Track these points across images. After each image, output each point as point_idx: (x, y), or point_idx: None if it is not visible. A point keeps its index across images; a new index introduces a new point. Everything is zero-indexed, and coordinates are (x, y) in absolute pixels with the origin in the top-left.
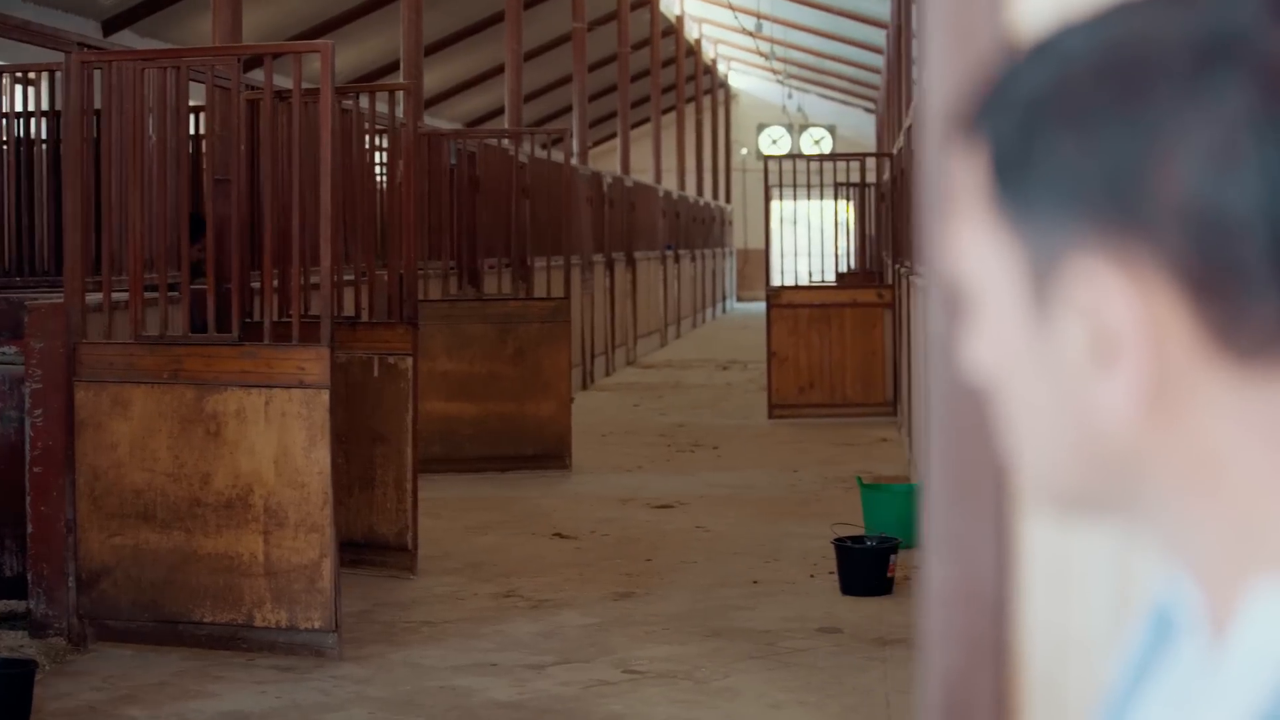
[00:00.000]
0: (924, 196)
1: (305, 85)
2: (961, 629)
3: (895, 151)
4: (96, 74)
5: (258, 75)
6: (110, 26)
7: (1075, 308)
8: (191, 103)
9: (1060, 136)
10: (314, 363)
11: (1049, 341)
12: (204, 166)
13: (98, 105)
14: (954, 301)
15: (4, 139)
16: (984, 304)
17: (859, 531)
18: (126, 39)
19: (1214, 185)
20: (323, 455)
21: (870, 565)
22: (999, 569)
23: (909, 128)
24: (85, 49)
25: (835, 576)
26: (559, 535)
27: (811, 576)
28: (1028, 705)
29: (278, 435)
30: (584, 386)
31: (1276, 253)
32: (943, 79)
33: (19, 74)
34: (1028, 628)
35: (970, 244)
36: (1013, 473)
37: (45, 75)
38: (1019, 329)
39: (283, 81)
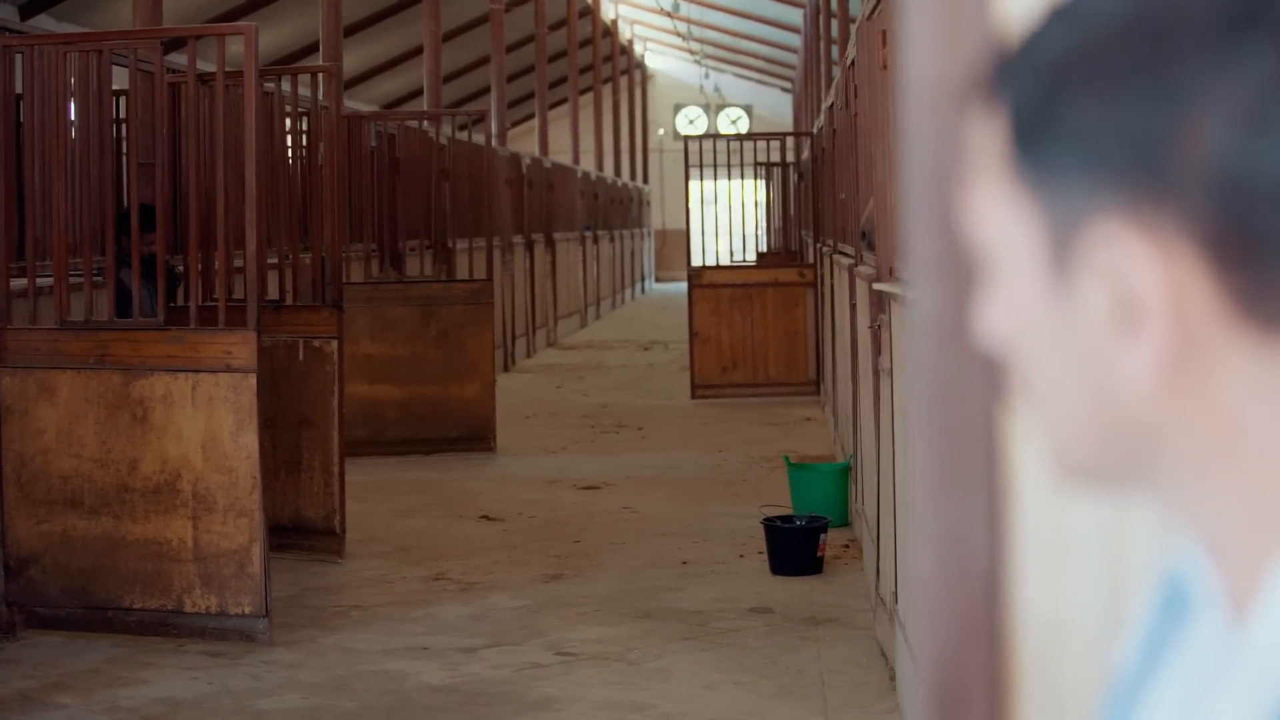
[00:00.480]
0: (910, 175)
1: (227, 68)
2: (954, 613)
3: (815, 131)
4: (18, 58)
5: (180, 59)
6: (27, 11)
7: (1096, 273)
8: (114, 87)
9: (1084, 99)
10: (241, 346)
11: (1069, 308)
12: (127, 151)
13: (20, 90)
14: (947, 278)
15: None
16: (1001, 271)
17: (787, 511)
18: (44, 23)
19: (1241, 150)
20: (251, 440)
21: (800, 544)
22: (991, 552)
23: (830, 106)
24: (6, 33)
25: (764, 556)
26: (486, 518)
27: (741, 556)
28: (1023, 688)
29: (205, 420)
30: (505, 368)
31: None
32: (928, 51)
33: None
34: (1021, 610)
35: (987, 210)
36: (1005, 453)
37: None
38: (1038, 296)
39: (204, 65)
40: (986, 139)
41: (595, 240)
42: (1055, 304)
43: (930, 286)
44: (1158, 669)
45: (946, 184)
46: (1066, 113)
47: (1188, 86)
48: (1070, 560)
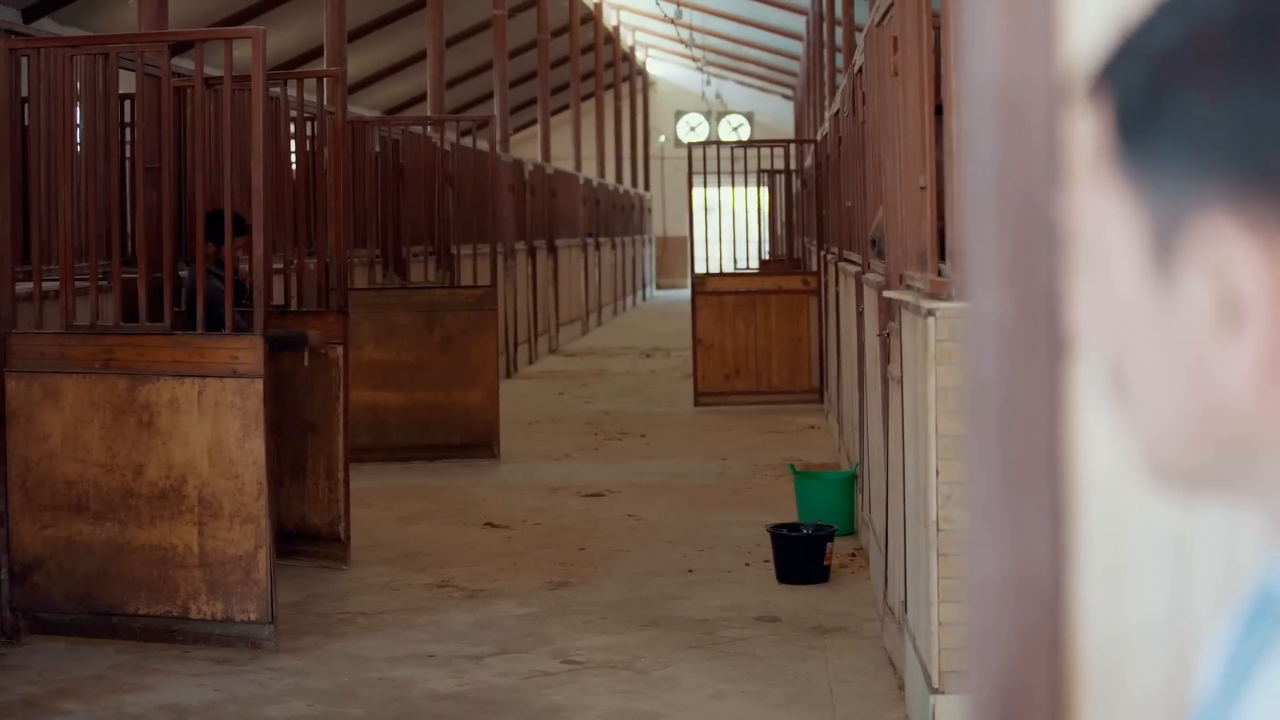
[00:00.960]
0: (972, 178)
1: (234, 73)
2: (1016, 623)
3: (820, 138)
4: (23, 61)
5: (187, 63)
6: (31, 14)
7: (1201, 269)
8: (121, 90)
9: (1192, 92)
10: (247, 352)
11: (1170, 304)
12: (133, 155)
13: (25, 93)
14: (1011, 282)
15: None
16: (1100, 266)
17: (792, 519)
18: (47, 26)
19: None
20: (257, 445)
21: (806, 553)
22: (1055, 560)
23: (835, 113)
24: (12, 35)
25: (770, 565)
26: (490, 524)
27: (747, 565)
28: (1086, 699)
29: (211, 425)
30: (507, 375)
31: None
32: (995, 52)
33: None
34: (1085, 620)
35: (1088, 204)
36: (1070, 459)
37: None
38: (1138, 291)
39: (212, 69)
40: (1089, 132)
41: (597, 247)
42: (1156, 300)
43: (993, 290)
44: (1247, 685)
45: (1013, 185)
46: (1175, 105)
47: None
48: (1136, 569)
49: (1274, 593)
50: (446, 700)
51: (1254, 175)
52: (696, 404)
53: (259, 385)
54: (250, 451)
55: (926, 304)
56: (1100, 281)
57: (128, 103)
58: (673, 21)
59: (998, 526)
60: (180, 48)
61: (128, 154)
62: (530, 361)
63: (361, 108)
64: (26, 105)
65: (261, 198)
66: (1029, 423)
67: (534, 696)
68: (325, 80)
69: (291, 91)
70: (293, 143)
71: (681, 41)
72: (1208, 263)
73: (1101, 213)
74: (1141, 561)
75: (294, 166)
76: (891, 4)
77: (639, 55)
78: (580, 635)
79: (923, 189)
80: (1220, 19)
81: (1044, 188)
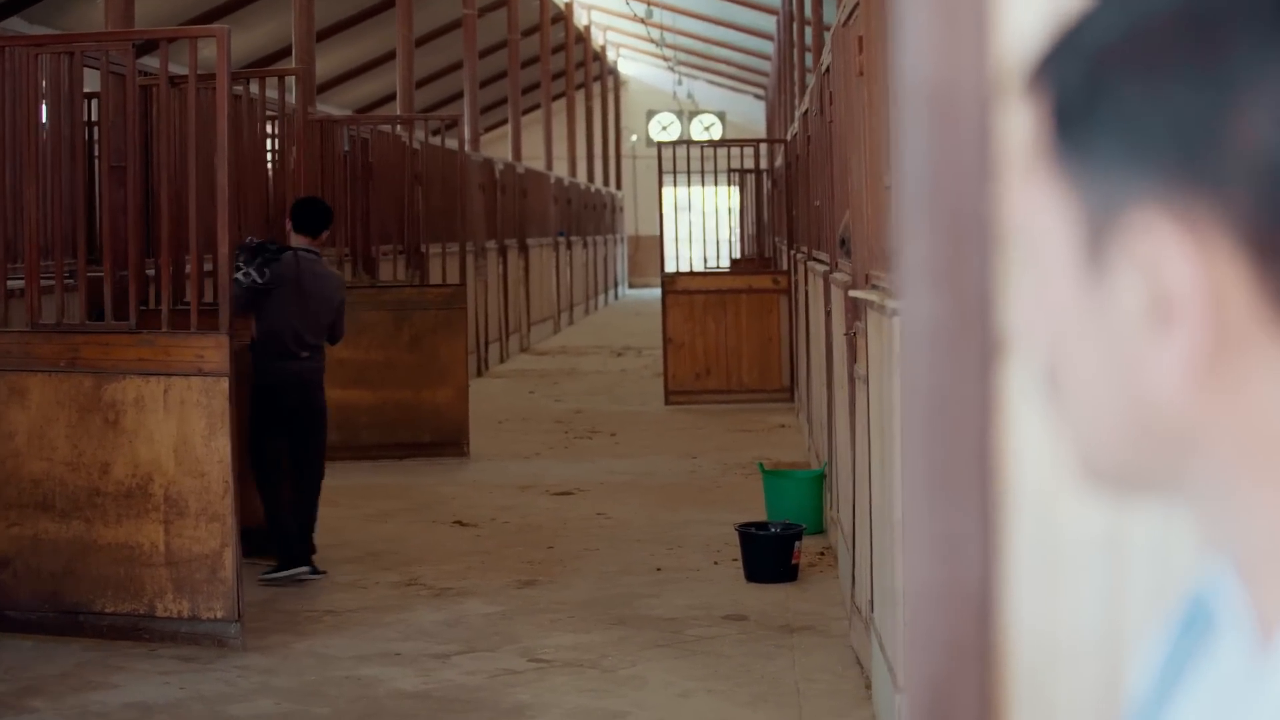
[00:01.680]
0: (905, 178)
1: (200, 71)
2: (946, 631)
3: (789, 137)
4: None
5: (152, 61)
6: None
7: (1132, 265)
8: (86, 89)
9: (1129, 86)
10: (213, 350)
11: (1102, 301)
12: (99, 153)
13: None
14: (944, 283)
15: None
16: (1034, 262)
17: (762, 518)
18: (16, 25)
19: None
20: (223, 444)
21: (775, 552)
22: (984, 565)
23: (804, 113)
24: None
25: (739, 563)
26: (459, 523)
27: (715, 563)
28: (1016, 706)
29: (177, 424)
30: (478, 373)
31: None
32: (926, 53)
33: None
34: (1015, 627)
35: (1023, 200)
36: (1001, 464)
37: None
38: (1071, 288)
39: (175, 68)
40: (1026, 128)
41: (569, 246)
42: (1089, 296)
43: (925, 292)
44: (1177, 692)
45: (944, 186)
46: (1111, 100)
47: (1237, 77)
48: (1068, 576)
49: (1205, 598)
50: (413, 699)
51: (1187, 172)
52: (667, 403)
53: (224, 384)
54: (216, 450)
55: (891, 303)
56: (1034, 279)
57: (93, 101)
58: (643, 21)
59: (927, 531)
60: (148, 46)
61: (94, 153)
62: (501, 360)
63: (332, 106)
64: None
65: (226, 197)
66: (959, 427)
67: (500, 695)
68: (293, 79)
69: (255, 90)
70: (266, 141)
71: (652, 41)
72: (1140, 259)
73: (1036, 209)
74: (1074, 568)
75: (264, 166)
76: (857, 4)
77: (610, 55)
78: (548, 634)
79: (888, 188)
80: (1159, 14)
81: (976, 188)
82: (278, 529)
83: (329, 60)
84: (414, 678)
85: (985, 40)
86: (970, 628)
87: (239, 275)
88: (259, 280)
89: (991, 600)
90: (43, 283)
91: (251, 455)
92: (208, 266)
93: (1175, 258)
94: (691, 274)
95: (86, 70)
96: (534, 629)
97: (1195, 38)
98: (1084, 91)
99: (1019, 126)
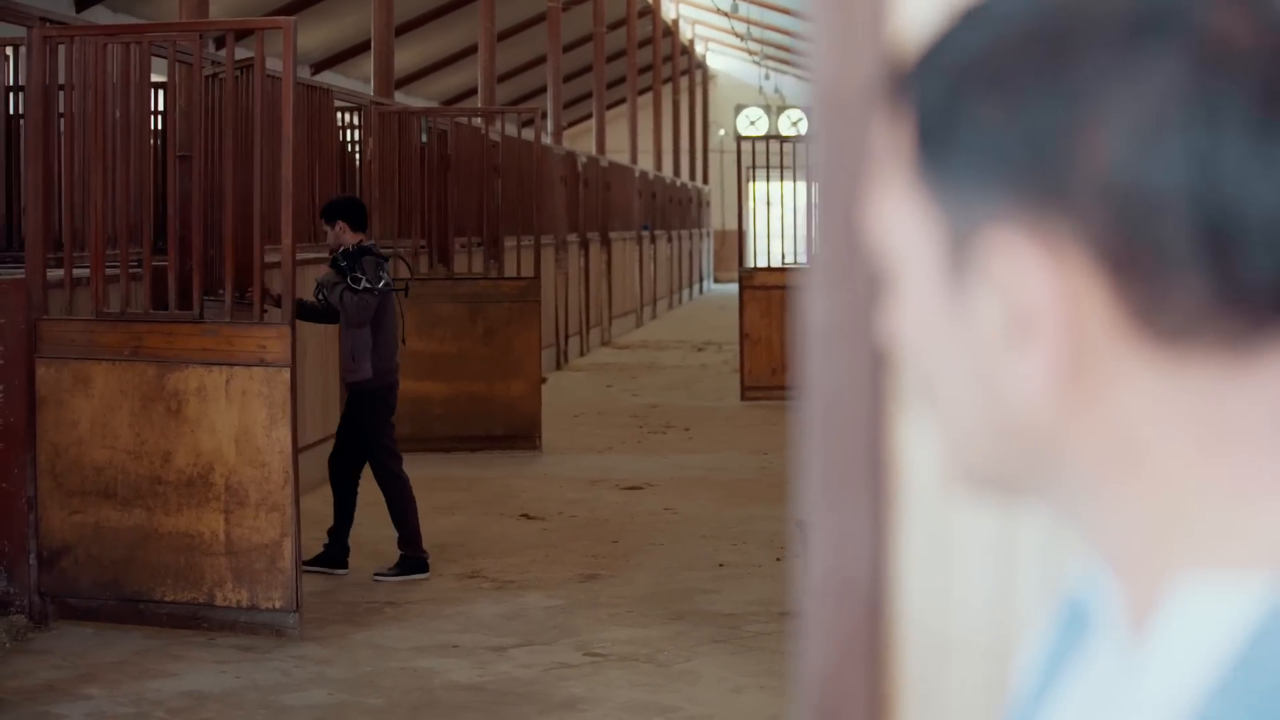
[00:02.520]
0: (812, 181)
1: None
2: (835, 625)
3: None
4: (60, 49)
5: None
6: (84, 2)
7: (990, 281)
8: (155, 79)
9: (985, 103)
10: (275, 341)
11: (964, 316)
12: (164, 143)
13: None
14: (838, 285)
15: None
16: (902, 276)
17: None
18: (100, 15)
19: (1138, 161)
20: (284, 434)
21: None
22: (874, 564)
23: None
24: (47, 24)
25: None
26: (526, 516)
27: (778, 560)
28: (904, 704)
29: (239, 414)
30: (558, 367)
31: (1200, 235)
32: (827, 55)
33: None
34: (906, 626)
35: (891, 215)
36: (892, 464)
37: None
38: (935, 301)
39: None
40: (892, 141)
41: (653, 240)
42: (951, 310)
43: (823, 293)
44: (1055, 688)
45: (841, 190)
46: (968, 117)
47: (1087, 93)
48: (958, 576)
49: (1081, 596)
50: (466, 691)
51: (1042, 189)
52: (743, 398)
53: (286, 374)
54: (277, 440)
55: None
56: (905, 291)
57: (161, 92)
58: (728, 15)
59: (821, 528)
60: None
61: (161, 142)
62: (582, 354)
63: (419, 99)
64: (63, 93)
65: (290, 188)
66: (851, 426)
67: (553, 688)
68: (369, 71)
69: (338, 81)
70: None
71: (738, 35)
72: (997, 275)
73: (903, 223)
74: (965, 568)
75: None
76: None
77: (698, 49)
78: (605, 628)
79: None
80: (1013, 30)
81: (864, 192)
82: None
83: (413, 53)
84: (469, 670)
85: (878, 44)
86: (861, 625)
87: (364, 284)
88: (377, 286)
89: (882, 598)
90: (108, 272)
91: (378, 457)
92: (273, 258)
93: (1032, 274)
94: (769, 269)
95: (156, 60)
96: (592, 623)
97: (1047, 56)
98: (944, 107)
99: (887, 139)
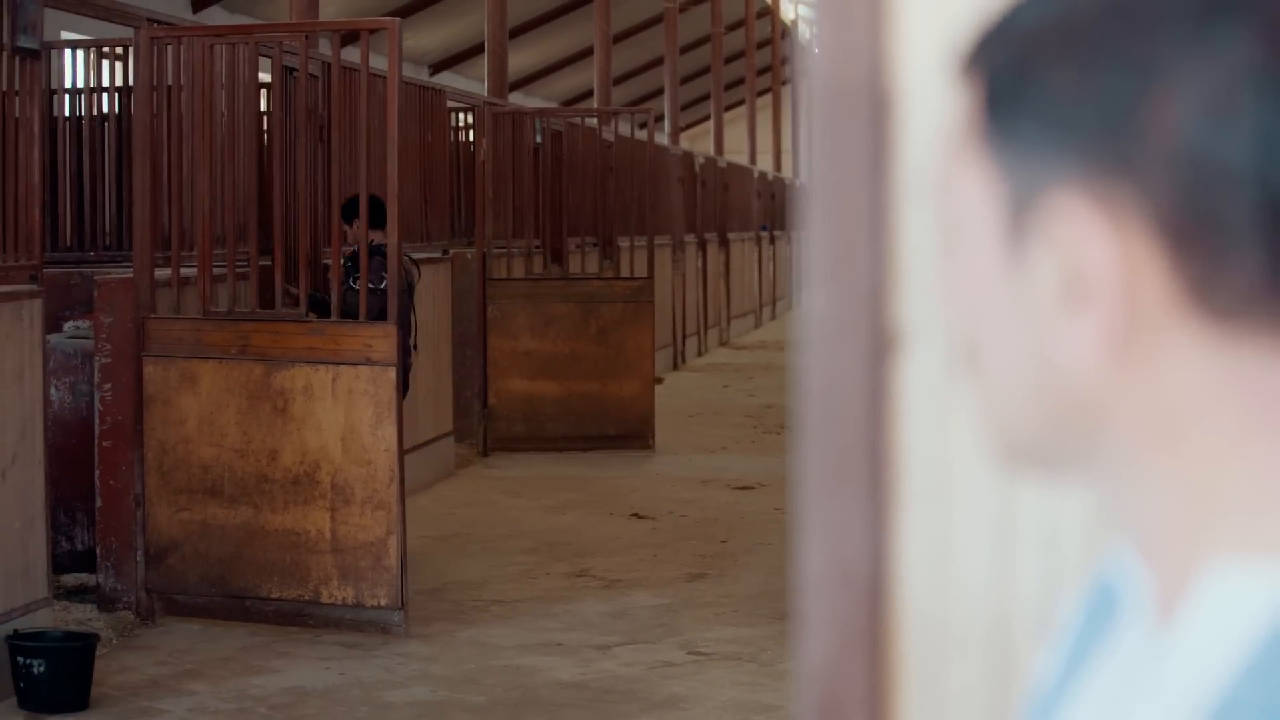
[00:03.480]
0: (809, 172)
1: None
2: (835, 616)
3: None
4: (168, 50)
5: (347, 53)
6: (200, 3)
7: (1050, 243)
8: (262, 79)
9: (1057, 70)
10: (381, 340)
11: (1022, 278)
12: (271, 143)
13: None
14: (837, 278)
15: (76, 114)
16: (963, 239)
17: None
18: (216, 16)
19: (1207, 135)
20: (390, 433)
21: None
22: (874, 554)
23: None
24: (154, 24)
25: None
26: (636, 515)
27: None
28: (905, 694)
29: (345, 412)
30: (675, 367)
31: (1261, 213)
32: (827, 52)
33: (104, 48)
34: (907, 615)
35: (956, 179)
36: (891, 455)
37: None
38: (993, 264)
39: (376, 61)
40: (961, 108)
41: (772, 240)
42: (1010, 272)
43: (822, 286)
44: (1080, 674)
45: (839, 182)
46: (1038, 83)
47: (1159, 64)
48: (958, 567)
49: (1108, 581)
50: (568, 689)
51: (1108, 157)
52: None
53: (392, 373)
54: (383, 439)
55: None
56: (957, 257)
57: (266, 91)
58: None
59: (820, 518)
60: (347, 38)
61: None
62: (699, 354)
63: (539, 99)
64: (171, 94)
65: (395, 188)
66: (850, 417)
67: (655, 687)
68: (485, 70)
69: (456, 82)
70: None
71: None
72: (1057, 238)
73: (967, 188)
74: (965, 557)
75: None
76: None
77: None
78: (710, 627)
79: None
80: (1089, 4)
81: (866, 185)
82: None
83: (530, 54)
84: (572, 668)
85: (876, 35)
86: (861, 615)
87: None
88: (380, 287)
89: (881, 589)
90: (215, 271)
91: None
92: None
93: (1092, 239)
94: None
95: (265, 60)
96: (697, 622)
97: (1120, 27)
98: (1014, 76)
99: (954, 108)
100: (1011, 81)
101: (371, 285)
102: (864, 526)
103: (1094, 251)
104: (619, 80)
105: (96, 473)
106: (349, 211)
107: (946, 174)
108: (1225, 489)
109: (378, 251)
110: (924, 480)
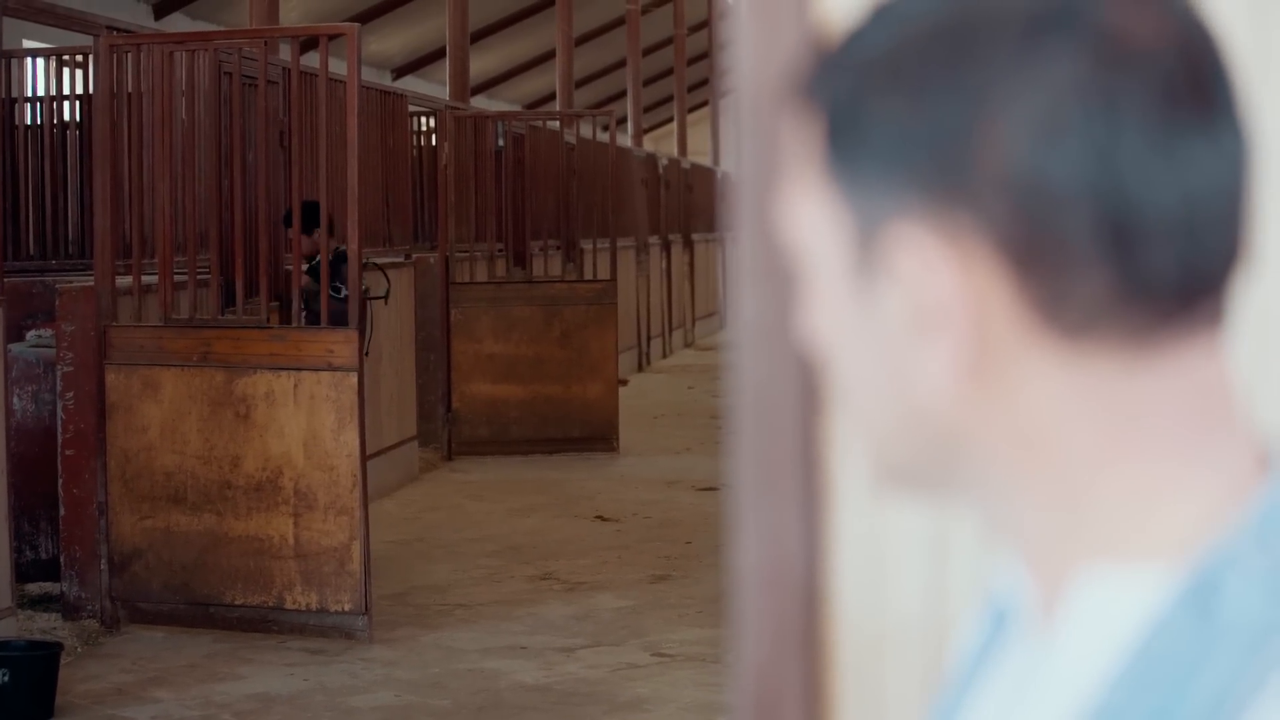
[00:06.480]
0: (737, 173)
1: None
2: (770, 618)
3: None
4: (127, 58)
5: (311, 59)
6: (162, 10)
7: (896, 276)
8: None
9: (890, 99)
10: (343, 345)
11: (873, 311)
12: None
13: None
14: (764, 282)
15: (37, 122)
16: (815, 274)
17: None
18: (179, 22)
19: (1039, 156)
20: (352, 438)
21: None
22: (808, 556)
23: None
24: (114, 32)
25: None
26: (601, 518)
27: None
28: (841, 697)
29: (307, 418)
30: (640, 368)
31: (1101, 229)
32: (749, 52)
33: (65, 56)
34: (840, 617)
35: (802, 212)
36: (822, 459)
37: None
38: (845, 297)
39: (336, 66)
40: (803, 138)
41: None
42: (860, 306)
43: (749, 291)
44: (979, 678)
45: (763, 186)
46: (874, 113)
47: (987, 89)
48: (891, 569)
49: (1000, 592)
50: (533, 692)
51: (944, 183)
52: None
53: (354, 378)
54: (345, 444)
55: None
56: (816, 287)
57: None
58: None
59: (753, 520)
60: (307, 44)
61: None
62: (664, 355)
63: (501, 102)
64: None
65: (356, 193)
66: (781, 421)
67: (619, 689)
68: (445, 73)
69: (419, 87)
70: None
71: None
72: (903, 270)
73: (814, 219)
74: (899, 561)
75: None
76: None
77: None
78: (674, 628)
79: None
80: (919, 27)
81: (782, 188)
82: None
83: (492, 57)
84: (537, 671)
85: (799, 36)
86: (795, 616)
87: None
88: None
89: (815, 590)
90: (176, 278)
91: None
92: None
93: (936, 268)
94: None
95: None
96: (661, 623)
97: (949, 53)
98: (852, 104)
99: (797, 137)
100: (849, 112)
101: (333, 294)
102: (797, 528)
103: (939, 280)
104: (581, 83)
105: (59, 481)
106: (308, 220)
107: (791, 206)
108: (1090, 500)
109: (342, 259)
110: (855, 484)
